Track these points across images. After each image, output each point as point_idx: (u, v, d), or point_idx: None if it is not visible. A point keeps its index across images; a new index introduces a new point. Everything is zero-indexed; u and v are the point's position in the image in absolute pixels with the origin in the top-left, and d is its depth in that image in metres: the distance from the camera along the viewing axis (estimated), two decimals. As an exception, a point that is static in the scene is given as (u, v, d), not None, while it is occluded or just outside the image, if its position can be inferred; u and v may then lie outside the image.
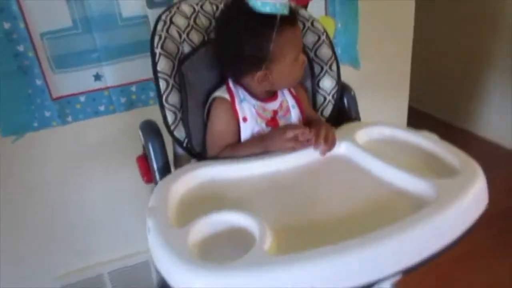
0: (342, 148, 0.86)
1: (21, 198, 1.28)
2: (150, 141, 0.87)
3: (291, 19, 0.83)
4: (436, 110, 2.53)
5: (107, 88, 1.24)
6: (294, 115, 0.94)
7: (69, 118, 1.23)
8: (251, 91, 0.90)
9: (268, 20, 0.78)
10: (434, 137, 0.86)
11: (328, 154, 0.85)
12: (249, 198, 0.75)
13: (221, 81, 0.94)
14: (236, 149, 0.87)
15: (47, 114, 1.19)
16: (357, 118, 1.03)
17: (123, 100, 1.27)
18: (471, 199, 0.69)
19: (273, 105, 0.92)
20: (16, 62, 1.10)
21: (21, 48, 1.10)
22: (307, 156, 0.84)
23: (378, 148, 0.86)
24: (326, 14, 1.49)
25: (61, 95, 1.20)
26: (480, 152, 2.21)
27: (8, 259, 1.31)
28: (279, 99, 0.94)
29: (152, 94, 1.30)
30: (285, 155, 0.84)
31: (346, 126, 0.95)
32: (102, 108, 1.26)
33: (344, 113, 1.04)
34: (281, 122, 0.92)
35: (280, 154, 0.84)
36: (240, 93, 0.90)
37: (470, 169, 0.74)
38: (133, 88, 1.28)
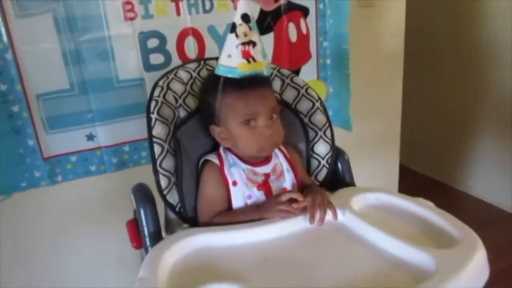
0: (338, 215, 0.84)
1: (5, 261, 1.23)
2: (142, 206, 0.85)
3: (252, 82, 0.85)
4: (425, 168, 2.56)
5: (99, 148, 1.24)
6: (288, 179, 0.93)
7: (59, 178, 1.21)
8: (239, 156, 0.90)
9: (226, 81, 0.84)
10: (430, 204, 0.86)
11: (324, 220, 0.84)
12: (243, 267, 0.72)
13: (215, 147, 0.94)
14: (231, 216, 0.85)
15: (37, 174, 1.17)
16: (351, 182, 1.03)
17: (114, 160, 1.26)
18: (472, 271, 0.67)
19: (265, 169, 0.91)
20: (10, 122, 1.10)
21: (15, 108, 1.10)
22: (302, 223, 0.83)
23: (374, 215, 0.85)
24: (318, 78, 1.54)
25: (52, 155, 1.19)
26: (470, 211, 2.21)
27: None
28: (272, 162, 0.93)
29: (144, 154, 1.30)
30: (280, 222, 0.82)
31: (342, 192, 0.94)
32: (93, 168, 1.25)
33: (338, 177, 1.04)
34: (274, 186, 0.91)
35: (275, 221, 0.82)
36: (229, 158, 0.90)
37: (469, 240, 0.73)
38: (126, 148, 1.28)
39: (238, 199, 0.88)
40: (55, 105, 1.15)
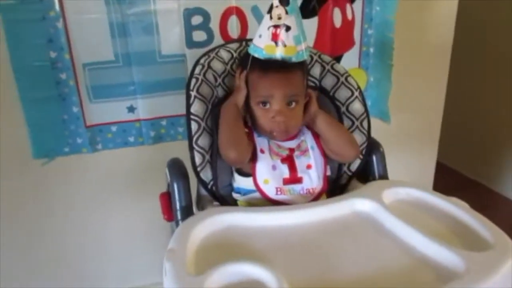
0: (367, 207, 0.84)
1: (41, 219, 1.30)
2: (176, 181, 0.87)
3: (275, 65, 0.85)
4: (463, 166, 2.48)
5: (138, 120, 1.27)
6: (313, 156, 0.93)
7: (99, 146, 1.26)
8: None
9: (255, 60, 0.86)
10: (464, 204, 0.84)
11: (353, 211, 0.84)
12: (269, 250, 0.74)
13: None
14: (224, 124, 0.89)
15: (79, 140, 1.22)
16: (384, 175, 1.01)
17: (152, 133, 1.30)
18: (503, 277, 0.66)
19: (290, 144, 0.93)
20: (57, 89, 1.15)
21: (63, 76, 1.15)
22: (332, 211, 0.83)
23: (405, 210, 0.84)
24: (359, 66, 1.51)
25: (94, 123, 1.23)
26: (506, 213, 2.12)
27: (18, 278, 1.32)
28: (298, 139, 0.94)
29: (180, 129, 1.32)
30: (308, 208, 0.83)
31: (373, 184, 0.93)
32: (131, 139, 1.29)
33: (371, 169, 1.02)
34: (298, 162, 0.91)
35: (304, 207, 0.83)
36: (257, 131, 0.93)
37: (502, 244, 0.71)
38: (163, 122, 1.31)
39: (264, 167, 0.89)
40: (100, 75, 1.19)
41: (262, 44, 0.84)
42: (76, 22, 1.12)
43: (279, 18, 0.82)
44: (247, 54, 0.88)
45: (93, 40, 1.15)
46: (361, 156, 1.00)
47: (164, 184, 0.97)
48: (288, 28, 0.82)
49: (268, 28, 0.83)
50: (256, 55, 0.86)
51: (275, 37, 0.83)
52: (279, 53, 0.84)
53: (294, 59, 0.85)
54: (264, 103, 0.88)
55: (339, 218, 0.82)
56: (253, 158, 0.89)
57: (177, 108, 1.27)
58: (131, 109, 1.25)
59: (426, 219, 0.82)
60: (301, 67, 0.90)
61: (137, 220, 1.38)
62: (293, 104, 0.88)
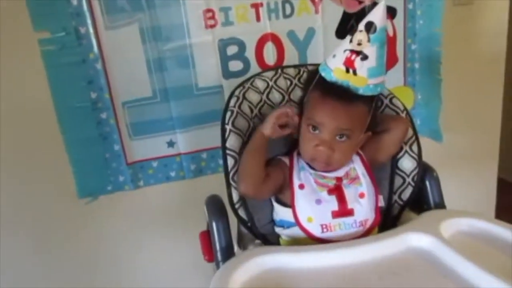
0: (424, 242, 0.76)
1: (86, 257, 1.31)
2: (214, 220, 0.84)
3: (337, 92, 0.78)
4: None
5: (179, 154, 1.26)
6: (365, 183, 0.85)
7: (141, 183, 1.26)
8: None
9: (321, 79, 0.80)
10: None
11: (408, 247, 0.76)
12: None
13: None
14: (245, 152, 0.85)
15: (121, 178, 1.23)
16: (441, 203, 0.92)
17: (193, 167, 1.28)
18: None
19: (337, 173, 0.85)
20: (98, 129, 1.16)
21: (104, 116, 1.16)
22: (385, 248, 0.76)
23: (467, 244, 0.75)
24: (405, 84, 1.43)
25: (135, 160, 1.23)
26: None
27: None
28: (347, 166, 0.86)
29: (221, 162, 1.29)
30: (359, 246, 0.76)
31: (429, 214, 0.85)
32: (172, 174, 1.28)
33: (425, 197, 0.94)
34: (347, 191, 0.83)
35: (354, 245, 0.76)
36: (300, 162, 0.87)
37: None
38: (204, 155, 1.29)
39: (305, 203, 0.82)
40: (139, 112, 1.19)
41: (333, 65, 0.78)
42: (114, 62, 1.13)
43: (359, 44, 0.75)
44: (316, 71, 0.82)
45: (131, 78, 1.16)
46: (412, 184, 0.92)
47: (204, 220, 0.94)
48: (365, 57, 0.75)
49: (344, 51, 0.77)
50: (323, 74, 0.80)
51: (347, 63, 0.76)
52: (346, 80, 0.77)
53: (361, 91, 0.78)
54: (314, 127, 0.81)
55: (393, 255, 0.75)
56: (292, 192, 0.84)
57: (217, 140, 1.21)
58: (170, 143, 1.24)
59: (493, 254, 0.73)
60: (368, 102, 0.81)
61: (180, 257, 1.35)
62: (344, 137, 0.80)
